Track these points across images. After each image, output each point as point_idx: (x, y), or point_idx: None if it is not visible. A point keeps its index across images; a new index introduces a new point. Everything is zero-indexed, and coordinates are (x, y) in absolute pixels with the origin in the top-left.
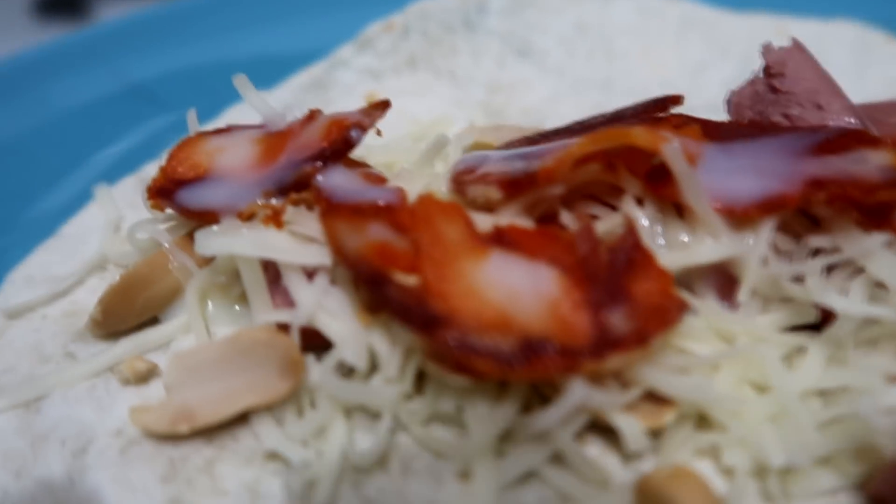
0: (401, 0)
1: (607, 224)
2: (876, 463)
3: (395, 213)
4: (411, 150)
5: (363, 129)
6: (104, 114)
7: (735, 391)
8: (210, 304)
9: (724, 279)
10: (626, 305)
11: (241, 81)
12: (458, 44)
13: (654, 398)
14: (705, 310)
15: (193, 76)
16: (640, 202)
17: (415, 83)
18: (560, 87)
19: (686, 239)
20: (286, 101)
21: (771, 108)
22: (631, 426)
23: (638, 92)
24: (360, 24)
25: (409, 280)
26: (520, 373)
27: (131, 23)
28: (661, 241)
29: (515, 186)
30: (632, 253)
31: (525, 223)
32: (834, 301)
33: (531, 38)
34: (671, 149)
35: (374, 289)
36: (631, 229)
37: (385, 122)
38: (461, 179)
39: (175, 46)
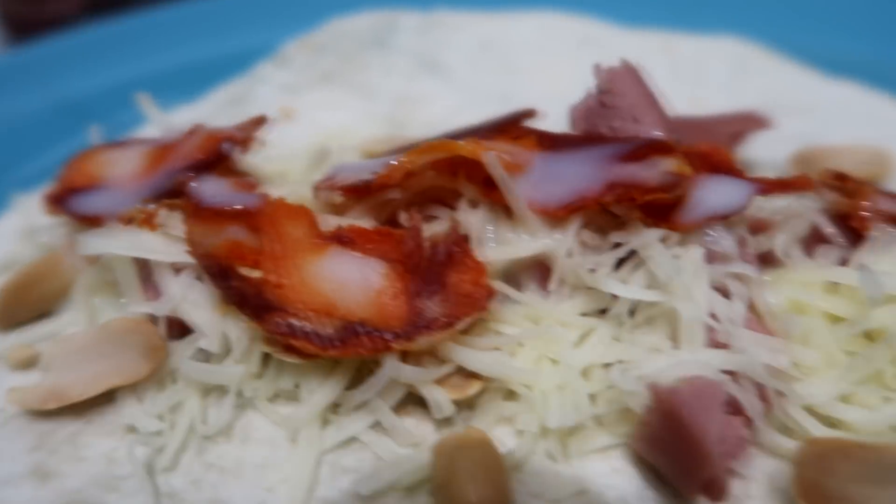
0: (318, 19)
1: (444, 224)
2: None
3: (252, 216)
4: (303, 160)
5: (235, 142)
6: (35, 129)
7: (532, 366)
8: (98, 298)
9: (542, 271)
10: (440, 293)
11: (143, 100)
12: (370, 60)
13: (466, 373)
14: (525, 298)
15: (124, 92)
16: (476, 205)
17: (328, 97)
18: (462, 100)
19: (511, 236)
20: (208, 114)
21: (600, 121)
22: (438, 397)
23: (534, 104)
24: (280, 41)
25: (254, 274)
26: (336, 352)
27: (63, 42)
28: (492, 238)
29: (356, 192)
30: (451, 248)
31: (368, 224)
32: (612, 287)
33: (439, 54)
34: (490, 158)
35: (218, 281)
36: (453, 228)
37: (299, 134)
38: (318, 186)
39: (108, 65)
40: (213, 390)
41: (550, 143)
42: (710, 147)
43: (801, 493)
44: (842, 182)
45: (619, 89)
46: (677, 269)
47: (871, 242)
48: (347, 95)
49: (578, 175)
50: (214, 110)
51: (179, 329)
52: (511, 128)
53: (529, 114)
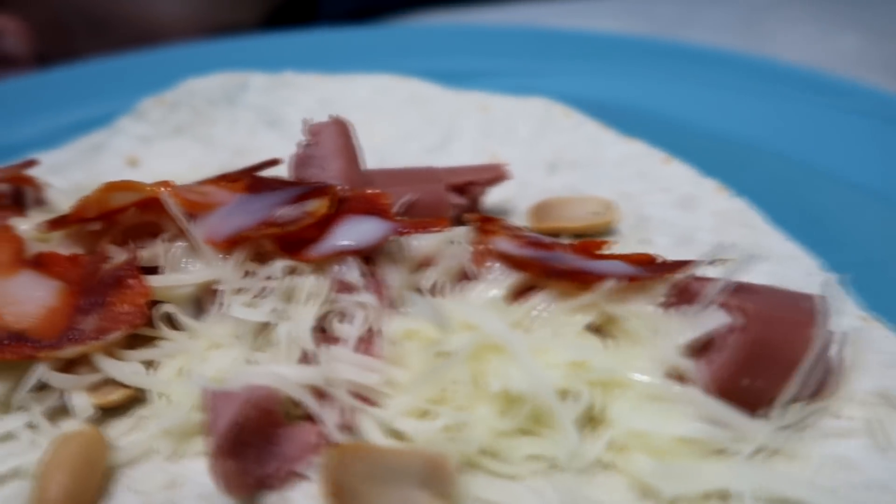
0: (174, 79)
1: (148, 253)
2: None
3: None
4: None
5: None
6: None
7: (171, 377)
8: None
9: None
10: (100, 311)
11: None
12: (218, 115)
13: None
14: (187, 320)
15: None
16: (175, 238)
17: (175, 148)
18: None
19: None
20: (67, 160)
21: (303, 169)
22: (77, 401)
23: None
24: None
25: None
26: None
27: None
28: (186, 266)
29: (53, 225)
30: (119, 273)
31: (67, 251)
32: (235, 311)
33: (281, 111)
34: (163, 196)
35: None
36: (132, 256)
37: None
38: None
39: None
40: None
41: (256, 186)
42: (375, 194)
43: (326, 490)
44: (480, 223)
45: (321, 141)
46: (288, 296)
47: (482, 277)
48: (191, 146)
49: (252, 214)
50: (73, 157)
51: None
52: (243, 173)
53: (273, 162)
